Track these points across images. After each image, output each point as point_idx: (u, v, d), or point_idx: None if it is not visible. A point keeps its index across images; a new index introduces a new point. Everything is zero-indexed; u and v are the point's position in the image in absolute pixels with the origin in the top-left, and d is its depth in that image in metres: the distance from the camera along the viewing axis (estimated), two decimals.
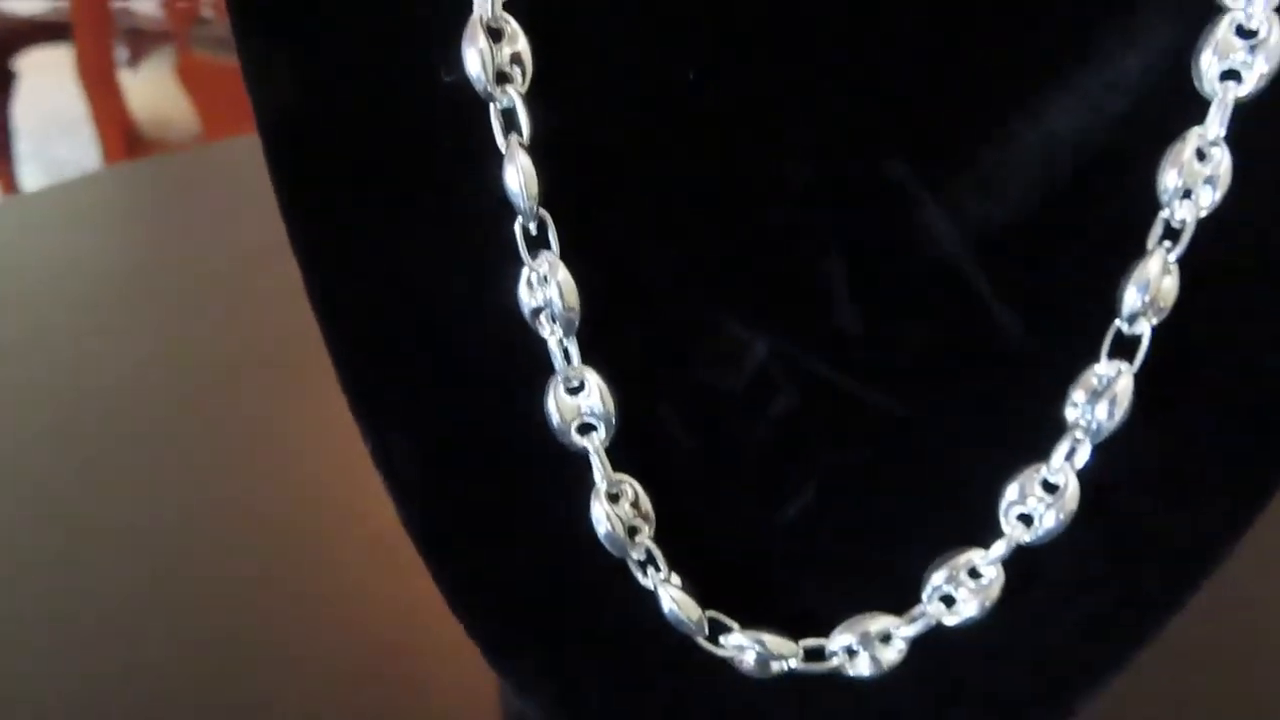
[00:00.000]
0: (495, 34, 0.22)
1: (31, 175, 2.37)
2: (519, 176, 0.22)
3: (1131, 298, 0.22)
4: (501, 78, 0.22)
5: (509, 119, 0.22)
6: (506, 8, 0.22)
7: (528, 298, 0.23)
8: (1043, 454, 0.24)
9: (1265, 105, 0.22)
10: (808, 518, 0.25)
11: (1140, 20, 0.22)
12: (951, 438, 0.24)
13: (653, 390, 0.24)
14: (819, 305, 0.24)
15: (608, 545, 0.24)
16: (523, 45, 0.22)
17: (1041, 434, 0.24)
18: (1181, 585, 0.25)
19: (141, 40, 2.01)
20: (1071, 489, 0.23)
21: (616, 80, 0.23)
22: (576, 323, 0.23)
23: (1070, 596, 0.25)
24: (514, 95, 0.22)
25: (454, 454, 0.25)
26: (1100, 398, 0.23)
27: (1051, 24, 0.22)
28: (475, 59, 0.22)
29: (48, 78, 2.22)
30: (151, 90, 1.63)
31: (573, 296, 0.23)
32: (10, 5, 1.61)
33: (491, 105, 0.22)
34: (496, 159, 0.22)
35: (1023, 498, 0.24)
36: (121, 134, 1.51)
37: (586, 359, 0.24)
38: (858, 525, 0.25)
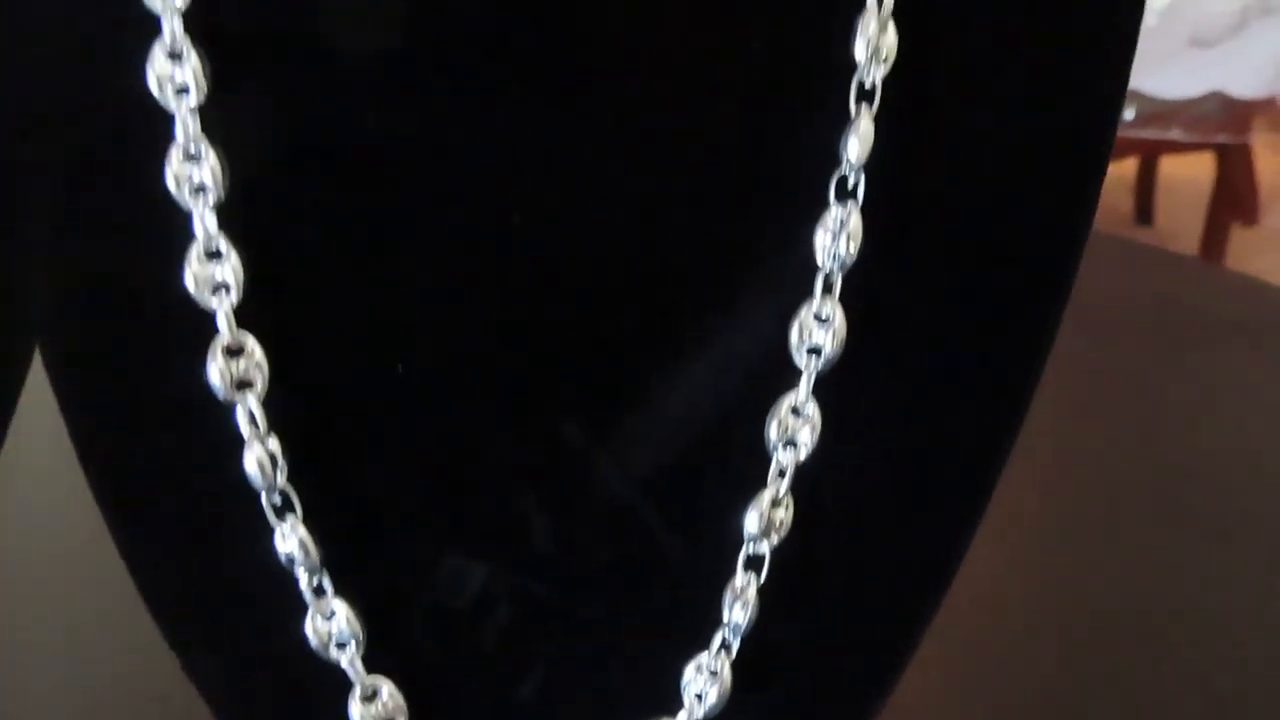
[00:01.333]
0: (235, 351, 0.28)
1: None
2: (255, 463, 0.28)
3: (751, 523, 0.28)
4: (242, 384, 0.28)
5: (252, 415, 0.28)
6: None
7: (281, 546, 0.29)
8: (706, 644, 0.30)
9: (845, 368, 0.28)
10: (539, 700, 0.31)
11: (750, 303, 0.28)
12: (640, 632, 0.30)
13: (396, 612, 0.30)
14: (525, 536, 0.30)
15: None
16: (259, 357, 0.28)
17: (705, 628, 0.30)
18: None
19: None
20: (725, 673, 0.29)
21: (346, 373, 0.29)
22: (320, 565, 0.29)
23: None
24: (252, 400, 0.28)
25: (251, 671, 0.31)
26: (737, 600, 0.29)
27: (680, 306, 0.28)
28: (216, 375, 0.28)
29: None
30: None
31: (313, 551, 0.29)
32: None
33: (237, 409, 0.28)
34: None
35: (695, 679, 0.30)
36: None
37: (339, 589, 0.30)
38: (581, 702, 0.31)
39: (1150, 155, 2.68)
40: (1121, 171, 2.95)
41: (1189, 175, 2.78)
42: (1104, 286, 0.76)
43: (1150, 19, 1.90)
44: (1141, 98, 1.95)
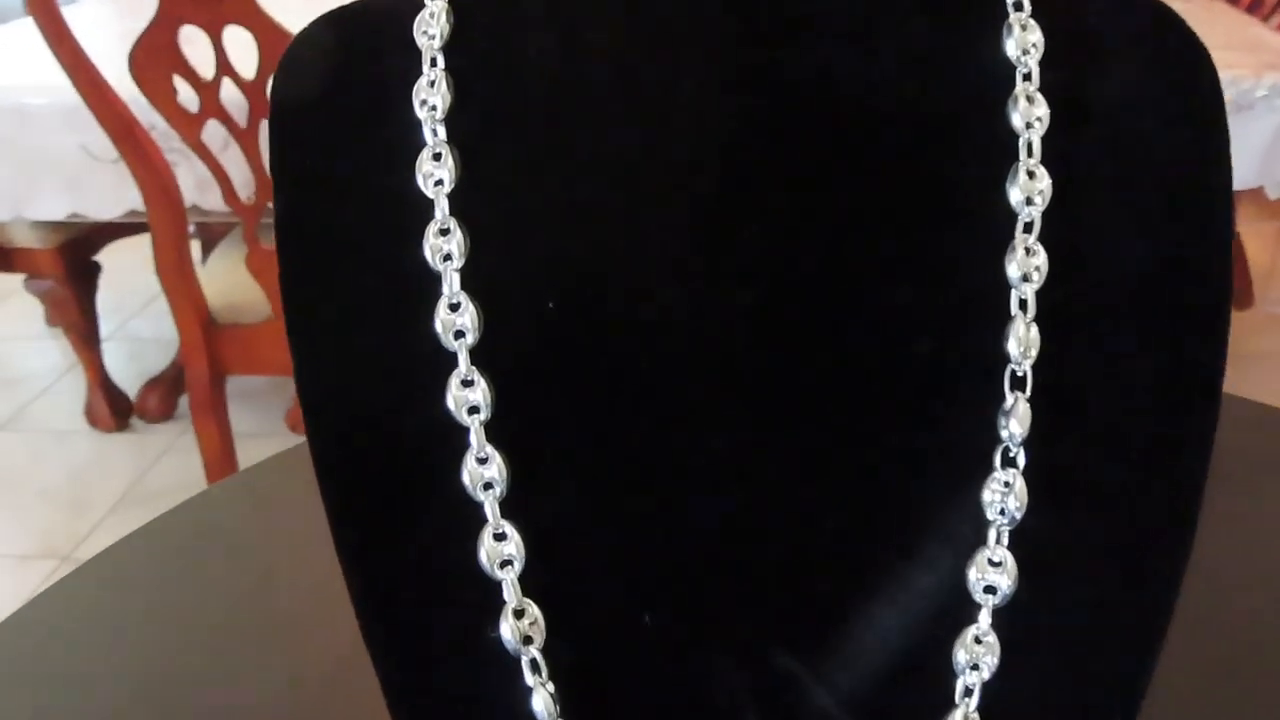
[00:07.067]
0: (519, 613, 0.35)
1: (112, 354, 2.48)
2: (540, 703, 0.35)
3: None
4: (527, 640, 0.35)
5: (534, 666, 0.35)
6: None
7: None
8: None
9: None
10: None
11: (929, 549, 0.35)
12: None
13: None
14: None
15: None
16: (541, 622, 0.35)
17: None
18: None
19: (211, 232, 2.24)
20: None
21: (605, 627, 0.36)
22: None
23: None
24: (535, 652, 0.35)
25: None
26: None
27: (869, 553, 0.35)
28: (510, 633, 0.34)
29: (123, 259, 2.36)
30: (221, 280, 1.80)
31: None
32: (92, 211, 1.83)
33: (521, 659, 0.35)
34: None
35: None
36: (199, 323, 1.69)
37: None
38: None
39: None
40: None
41: None
42: None
43: None
44: None
